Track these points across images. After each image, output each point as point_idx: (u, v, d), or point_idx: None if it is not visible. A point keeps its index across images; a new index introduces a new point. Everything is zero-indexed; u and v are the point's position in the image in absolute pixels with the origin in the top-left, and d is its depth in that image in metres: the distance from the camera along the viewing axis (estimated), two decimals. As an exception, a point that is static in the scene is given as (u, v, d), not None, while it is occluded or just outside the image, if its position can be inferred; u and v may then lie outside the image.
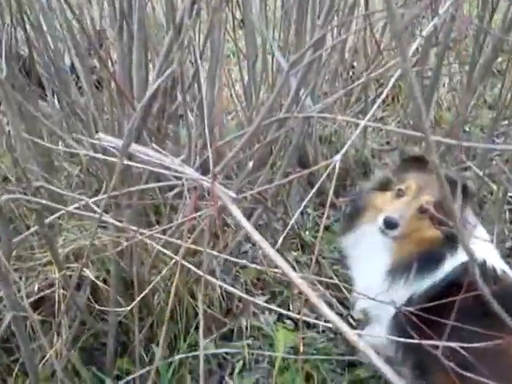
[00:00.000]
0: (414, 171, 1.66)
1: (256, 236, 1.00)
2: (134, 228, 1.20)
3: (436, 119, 2.85)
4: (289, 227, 1.16)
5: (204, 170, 1.36)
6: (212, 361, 2.01)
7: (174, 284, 1.07)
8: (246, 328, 2.08)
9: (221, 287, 2.10)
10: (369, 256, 1.75)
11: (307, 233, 2.43)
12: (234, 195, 1.01)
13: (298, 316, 1.96)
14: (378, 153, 2.71)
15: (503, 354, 1.32)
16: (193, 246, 1.57)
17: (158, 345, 1.92)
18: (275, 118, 1.29)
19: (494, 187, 1.77)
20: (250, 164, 1.61)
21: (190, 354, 1.93)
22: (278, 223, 2.41)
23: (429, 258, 1.63)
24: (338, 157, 1.04)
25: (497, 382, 0.85)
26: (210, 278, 1.59)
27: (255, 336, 2.08)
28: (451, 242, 1.58)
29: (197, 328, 2.06)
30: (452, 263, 1.58)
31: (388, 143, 2.84)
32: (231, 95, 2.68)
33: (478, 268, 1.49)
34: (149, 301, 1.92)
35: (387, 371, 0.81)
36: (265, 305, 2.02)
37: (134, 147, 1.08)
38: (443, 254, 1.60)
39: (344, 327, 0.90)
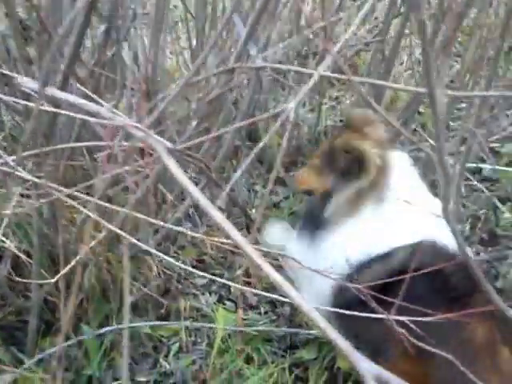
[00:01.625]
0: None
1: (194, 191, 0.86)
2: (54, 185, 1.04)
3: (391, 99, 2.78)
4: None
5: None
6: (147, 343, 1.88)
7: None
8: (185, 309, 1.96)
9: (157, 266, 1.98)
10: None
11: (254, 211, 2.32)
12: (169, 145, 0.87)
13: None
14: (332, 130, 2.63)
15: (469, 342, 1.24)
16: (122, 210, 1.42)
17: (87, 324, 1.78)
18: (222, 68, 1.15)
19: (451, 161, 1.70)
20: (194, 123, 1.47)
21: (127, 326, 1.77)
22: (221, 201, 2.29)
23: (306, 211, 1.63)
24: (291, 105, 0.90)
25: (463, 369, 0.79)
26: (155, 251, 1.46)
27: (194, 317, 1.96)
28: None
29: (132, 308, 1.93)
30: (389, 243, 1.43)
31: (341, 121, 2.76)
32: (178, 62, 2.52)
33: (430, 248, 1.41)
34: (78, 277, 1.76)
35: (334, 336, 0.70)
36: (212, 277, 1.91)
37: (53, 91, 0.92)
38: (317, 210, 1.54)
39: (291, 290, 0.78)
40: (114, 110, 0.93)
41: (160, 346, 1.90)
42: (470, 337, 1.24)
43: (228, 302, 2.03)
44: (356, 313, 0.94)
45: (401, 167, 1.49)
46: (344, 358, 0.54)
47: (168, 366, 1.82)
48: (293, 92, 2.44)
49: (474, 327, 1.21)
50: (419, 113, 2.74)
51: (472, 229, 2.27)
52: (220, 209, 2.29)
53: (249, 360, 1.82)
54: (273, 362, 1.80)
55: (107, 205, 1.01)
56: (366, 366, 0.50)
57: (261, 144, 0.96)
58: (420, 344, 0.86)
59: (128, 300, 0.66)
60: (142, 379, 1.78)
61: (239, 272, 2.13)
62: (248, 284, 2.09)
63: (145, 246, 1.26)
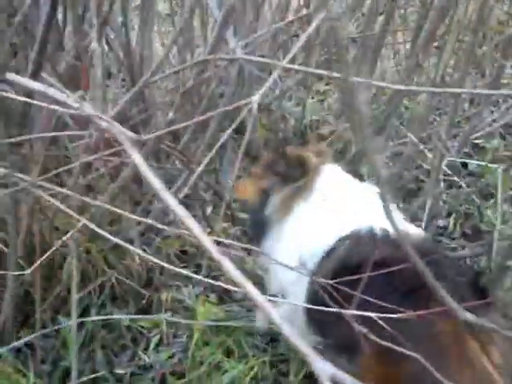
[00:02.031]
0: None
1: (156, 183, 0.85)
2: (22, 176, 1.02)
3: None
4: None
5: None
6: (126, 335, 1.86)
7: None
8: (167, 300, 1.94)
9: (140, 257, 1.96)
10: None
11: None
12: (133, 135, 0.86)
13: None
14: (317, 123, 2.62)
15: (437, 338, 1.22)
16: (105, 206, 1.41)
17: (65, 315, 1.76)
18: (196, 60, 1.14)
19: (430, 155, 1.69)
20: (171, 114, 1.45)
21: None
22: (207, 193, 2.28)
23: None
24: (256, 97, 0.91)
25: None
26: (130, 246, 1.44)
27: (175, 309, 1.95)
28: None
29: (112, 299, 1.92)
30: (333, 233, 1.47)
31: (327, 115, 2.76)
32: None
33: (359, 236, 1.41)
34: (56, 268, 1.75)
35: (288, 332, 0.69)
36: (192, 275, 1.88)
37: (13, 77, 0.90)
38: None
39: (249, 285, 0.77)
40: (80, 100, 0.92)
41: (140, 337, 1.88)
42: (437, 333, 1.22)
43: (211, 294, 2.01)
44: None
45: (334, 173, 1.61)
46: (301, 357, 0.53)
47: (147, 359, 1.80)
48: (278, 86, 2.43)
49: (440, 323, 1.19)
50: (406, 108, 2.75)
51: (456, 224, 2.27)
52: (205, 201, 2.28)
53: (229, 353, 1.81)
54: (253, 356, 1.79)
55: (78, 196, 0.99)
56: (320, 365, 0.49)
57: (231, 128, 0.97)
58: (388, 343, 0.84)
59: (75, 296, 0.65)
60: (121, 371, 1.76)
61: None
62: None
63: (122, 242, 1.25)
